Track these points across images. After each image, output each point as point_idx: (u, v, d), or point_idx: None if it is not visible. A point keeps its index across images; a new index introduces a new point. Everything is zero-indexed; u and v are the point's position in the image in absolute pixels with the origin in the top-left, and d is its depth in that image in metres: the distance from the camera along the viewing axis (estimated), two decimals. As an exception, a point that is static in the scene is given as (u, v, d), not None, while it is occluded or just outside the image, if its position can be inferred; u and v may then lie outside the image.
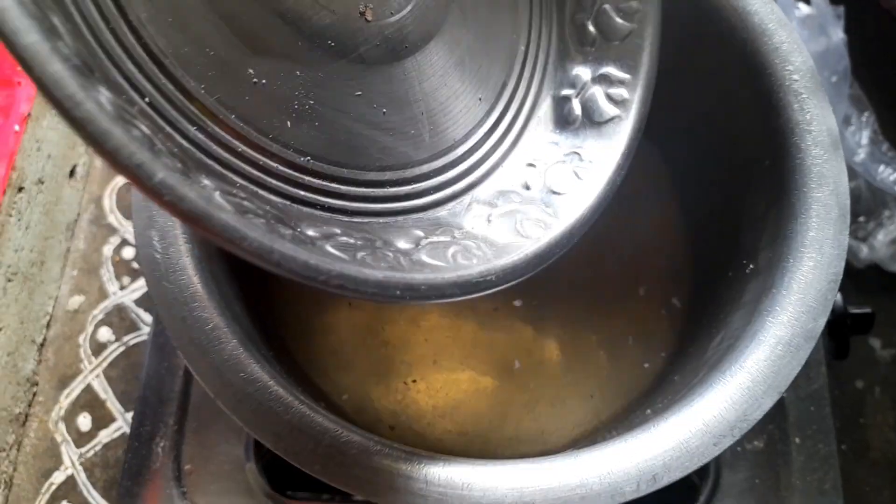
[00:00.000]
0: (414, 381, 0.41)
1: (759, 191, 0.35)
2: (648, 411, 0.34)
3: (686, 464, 0.26)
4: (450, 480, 0.25)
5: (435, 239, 0.27)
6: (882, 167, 0.59)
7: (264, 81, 0.25)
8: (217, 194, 0.20)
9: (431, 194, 0.30)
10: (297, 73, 0.25)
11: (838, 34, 0.61)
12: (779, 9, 0.34)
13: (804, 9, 0.62)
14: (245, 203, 0.21)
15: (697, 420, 0.27)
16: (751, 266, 0.34)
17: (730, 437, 0.26)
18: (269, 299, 0.42)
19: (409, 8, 0.28)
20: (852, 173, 0.58)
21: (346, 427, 0.27)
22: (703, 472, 0.43)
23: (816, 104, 0.32)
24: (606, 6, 0.33)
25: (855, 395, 0.55)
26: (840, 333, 0.46)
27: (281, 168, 0.25)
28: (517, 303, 0.43)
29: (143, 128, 0.19)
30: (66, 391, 0.52)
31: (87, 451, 0.50)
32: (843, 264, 0.30)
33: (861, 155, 0.59)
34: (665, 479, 0.26)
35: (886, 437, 0.54)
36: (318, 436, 0.26)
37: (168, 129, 0.22)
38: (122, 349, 0.53)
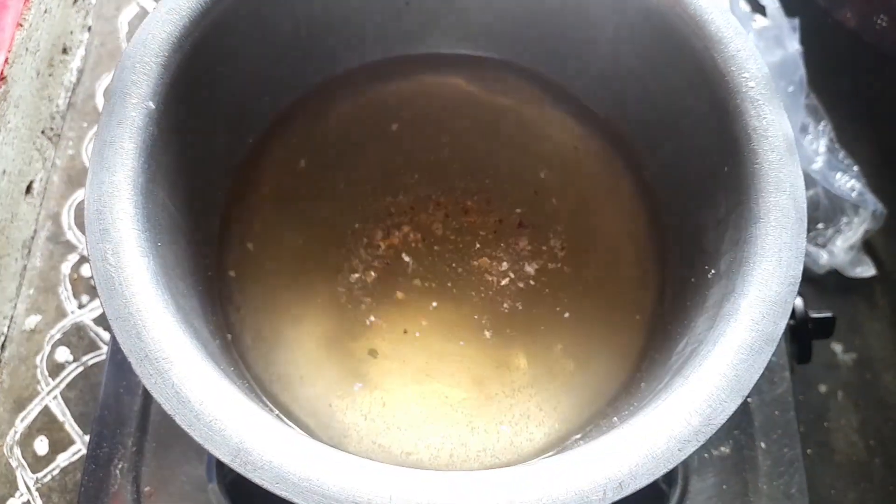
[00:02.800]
0: (380, 393, 0.41)
1: (720, 196, 0.35)
2: (615, 419, 0.34)
3: (652, 470, 0.26)
4: (414, 494, 0.25)
5: None
6: (839, 175, 0.60)
7: None
8: None
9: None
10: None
11: (794, 45, 0.62)
12: (735, 19, 0.34)
13: (760, 21, 0.63)
14: None
15: (662, 426, 0.27)
16: (713, 271, 0.35)
17: (694, 441, 0.26)
18: (228, 313, 0.42)
19: None
20: (810, 181, 0.59)
21: (308, 440, 0.26)
22: (671, 479, 0.43)
23: (772, 110, 0.33)
24: None
25: (818, 400, 0.56)
26: (802, 338, 0.46)
27: None
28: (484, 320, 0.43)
29: None
30: (22, 414, 0.50)
31: (45, 476, 0.49)
32: (801, 267, 0.30)
33: (818, 163, 0.60)
34: (631, 486, 0.25)
35: (850, 439, 0.55)
36: (279, 450, 0.26)
37: None
38: (80, 369, 0.52)
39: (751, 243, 0.31)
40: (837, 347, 0.58)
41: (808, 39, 0.63)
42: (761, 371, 0.28)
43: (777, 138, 0.32)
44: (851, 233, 0.59)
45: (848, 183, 0.60)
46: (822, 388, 0.57)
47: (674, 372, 0.30)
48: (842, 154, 0.61)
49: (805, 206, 0.31)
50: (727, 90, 0.34)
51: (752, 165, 0.32)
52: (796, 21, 0.63)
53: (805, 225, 0.31)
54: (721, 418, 0.27)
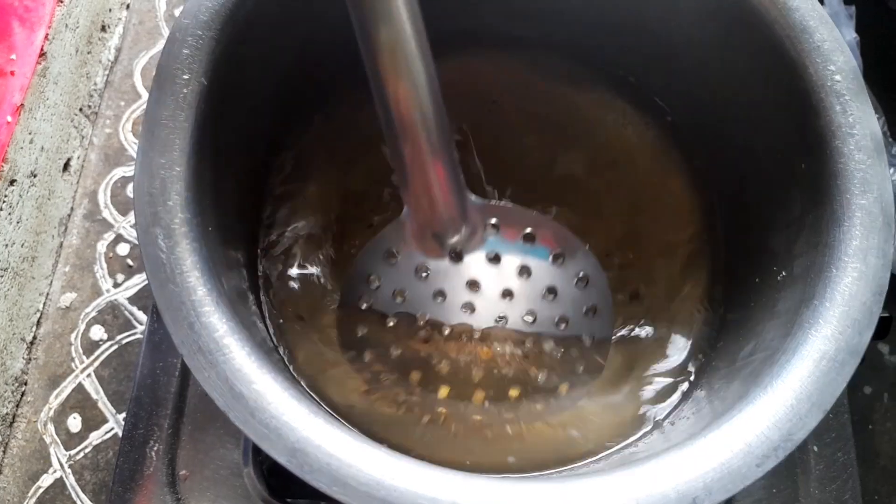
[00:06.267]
0: (428, 388, 0.39)
1: (794, 195, 0.34)
2: (675, 422, 0.33)
3: (728, 486, 0.24)
4: (480, 503, 0.24)
5: None
6: (892, 171, 0.58)
7: None
8: None
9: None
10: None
11: (850, 34, 0.59)
12: (821, 6, 0.32)
13: (818, 7, 0.61)
14: None
15: (738, 439, 0.25)
16: (783, 273, 0.33)
17: (773, 457, 0.25)
18: (272, 301, 0.41)
19: None
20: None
21: (368, 443, 0.25)
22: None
23: (859, 107, 0.31)
24: None
25: (863, 402, 0.55)
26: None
27: None
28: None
29: None
30: (56, 391, 0.50)
31: (77, 454, 0.49)
32: (888, 275, 0.28)
33: (871, 158, 0.58)
34: (706, 503, 0.24)
35: (895, 444, 0.53)
36: (338, 452, 0.25)
37: None
38: (114, 348, 0.52)
39: (832, 247, 0.29)
40: (884, 348, 0.57)
41: (864, 28, 0.60)
42: (845, 384, 0.26)
43: (864, 137, 0.30)
44: (904, 231, 0.57)
45: (901, 180, 0.58)
46: (867, 390, 0.55)
47: (744, 380, 0.29)
48: (895, 149, 0.59)
49: (893, 210, 0.29)
50: (809, 83, 0.32)
51: (835, 164, 0.30)
52: (852, 9, 0.60)
53: (892, 230, 0.29)
54: (802, 434, 0.25)
